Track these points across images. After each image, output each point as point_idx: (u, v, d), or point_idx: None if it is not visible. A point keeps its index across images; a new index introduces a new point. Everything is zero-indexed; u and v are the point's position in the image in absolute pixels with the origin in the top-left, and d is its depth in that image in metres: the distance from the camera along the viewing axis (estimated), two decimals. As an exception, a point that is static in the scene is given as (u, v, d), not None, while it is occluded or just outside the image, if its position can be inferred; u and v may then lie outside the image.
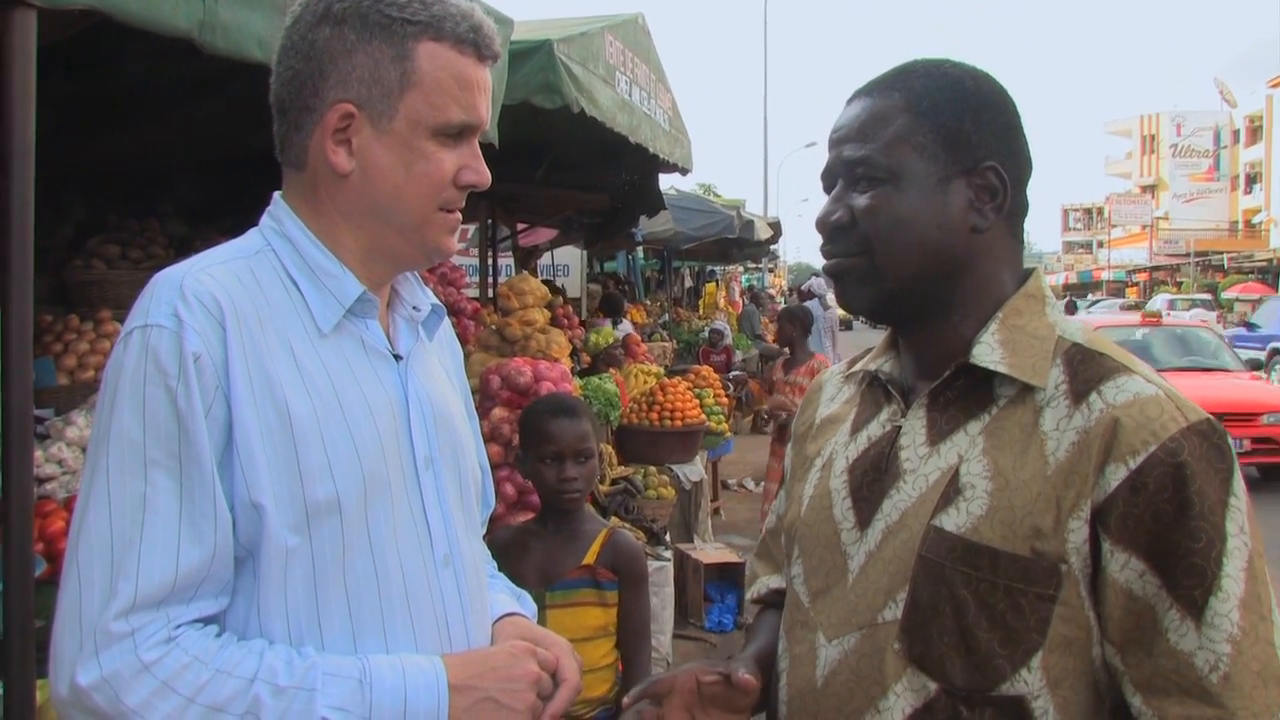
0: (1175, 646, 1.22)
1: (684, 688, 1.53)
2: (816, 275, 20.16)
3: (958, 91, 1.42)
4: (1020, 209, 1.45)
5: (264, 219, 1.55)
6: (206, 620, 1.36)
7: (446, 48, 1.47)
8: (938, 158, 1.40)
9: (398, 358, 1.56)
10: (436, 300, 1.68)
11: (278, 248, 1.50)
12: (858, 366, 1.62)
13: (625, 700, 1.54)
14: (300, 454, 1.39)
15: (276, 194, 1.56)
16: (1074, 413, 1.31)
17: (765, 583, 1.77)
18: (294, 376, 1.42)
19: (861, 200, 1.41)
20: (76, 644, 1.29)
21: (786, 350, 8.32)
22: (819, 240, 1.50)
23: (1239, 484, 1.27)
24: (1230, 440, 1.28)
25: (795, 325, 8.17)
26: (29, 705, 2.19)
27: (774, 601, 1.73)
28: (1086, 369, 1.34)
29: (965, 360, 1.39)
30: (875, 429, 1.50)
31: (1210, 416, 1.29)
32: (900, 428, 1.45)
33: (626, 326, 11.66)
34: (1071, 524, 1.26)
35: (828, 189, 1.49)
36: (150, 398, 1.33)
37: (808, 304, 15.23)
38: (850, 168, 1.43)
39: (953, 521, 1.33)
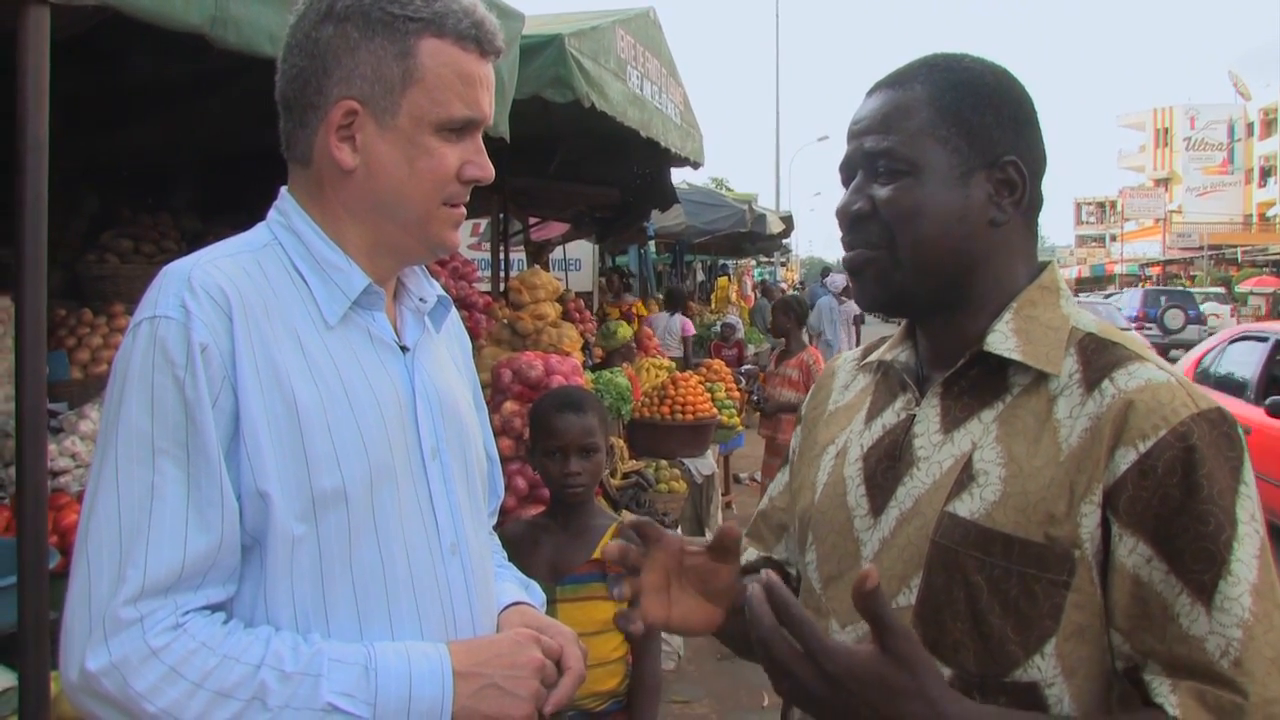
0: (1187, 631, 1.21)
1: (669, 547, 1.52)
2: (834, 270, 20.15)
3: (979, 86, 1.42)
4: (1036, 204, 1.46)
5: (271, 213, 1.57)
6: (214, 607, 1.38)
7: (449, 44, 1.48)
8: (960, 151, 1.40)
9: (404, 349, 1.58)
10: (443, 292, 1.70)
11: (284, 241, 1.52)
12: (873, 356, 1.63)
13: (626, 520, 1.53)
14: (306, 443, 1.40)
15: (284, 189, 1.58)
16: (1087, 400, 1.31)
17: (752, 551, 1.77)
18: (300, 367, 1.43)
19: (883, 191, 1.42)
20: (86, 630, 1.31)
21: (783, 341, 8.14)
22: (833, 234, 1.52)
23: (1249, 474, 1.26)
24: (1240, 430, 1.28)
25: (789, 316, 8.00)
26: (44, 696, 2.21)
27: (760, 567, 1.73)
28: (1100, 357, 1.34)
29: (979, 348, 1.39)
30: (890, 417, 1.51)
31: (1221, 405, 1.28)
32: (915, 416, 1.46)
33: (678, 321, 11.76)
34: (1084, 509, 1.26)
35: (846, 181, 1.49)
36: (158, 387, 1.35)
37: (823, 298, 15.24)
38: (872, 159, 1.43)
39: (966, 508, 1.33)
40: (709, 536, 5.76)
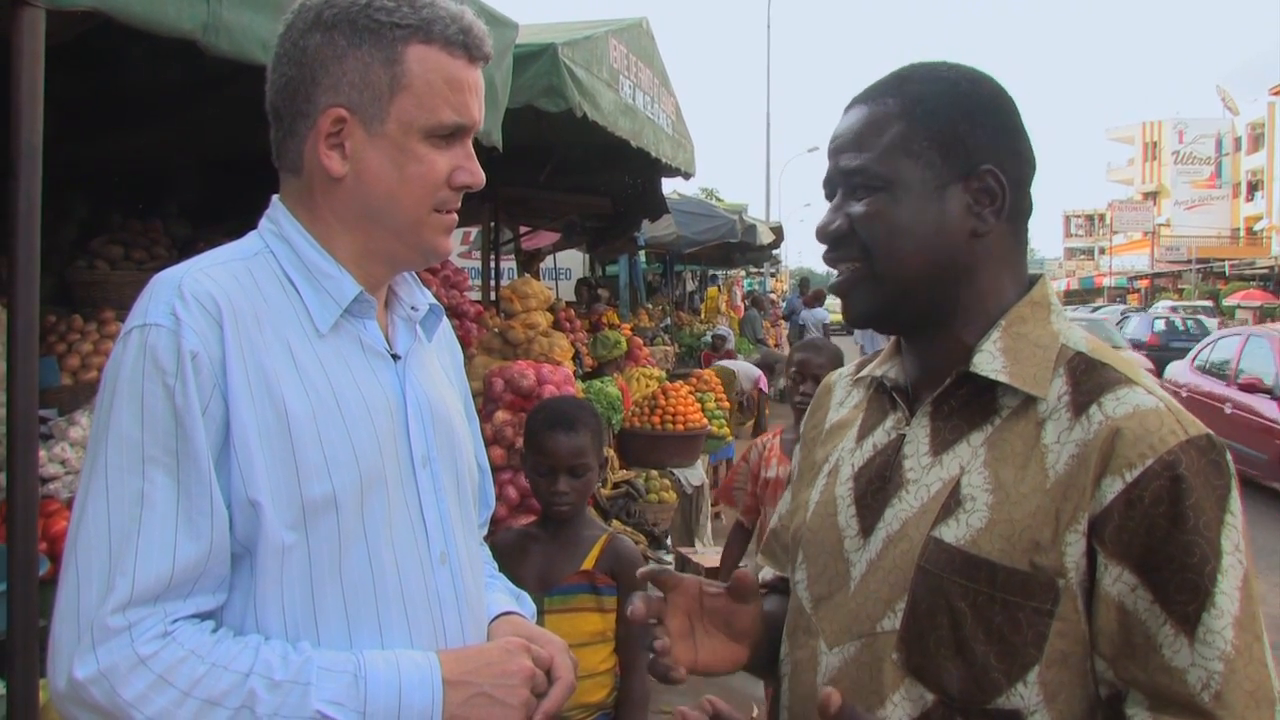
0: (1169, 662, 1.21)
1: (688, 590, 1.52)
2: (813, 283, 20.22)
3: (953, 95, 1.41)
4: (1023, 210, 1.44)
5: (262, 222, 1.57)
6: (203, 616, 1.38)
7: (436, 50, 1.48)
8: (934, 164, 1.39)
9: (396, 357, 1.58)
10: (435, 300, 1.70)
11: (276, 249, 1.52)
12: (865, 371, 1.62)
13: (640, 572, 1.52)
14: (297, 452, 1.40)
15: (275, 197, 1.58)
16: (1074, 425, 1.30)
17: (768, 571, 1.77)
18: (291, 376, 1.43)
19: (858, 208, 1.41)
20: (74, 638, 1.30)
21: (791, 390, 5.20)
22: (821, 247, 1.50)
23: (1236, 502, 1.25)
24: (1229, 457, 1.27)
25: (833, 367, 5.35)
26: (32, 704, 2.20)
27: (777, 586, 1.74)
28: (1089, 380, 1.33)
29: (966, 368, 1.38)
30: (880, 437, 1.50)
31: (1210, 432, 1.27)
32: (904, 436, 1.45)
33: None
34: (1069, 537, 1.26)
35: (829, 197, 1.49)
36: (148, 395, 1.35)
37: (817, 311, 15.25)
38: (847, 177, 1.43)
39: (952, 533, 1.33)
40: (698, 546, 5.70)
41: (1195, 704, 1.20)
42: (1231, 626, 1.20)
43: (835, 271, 1.49)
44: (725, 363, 12.29)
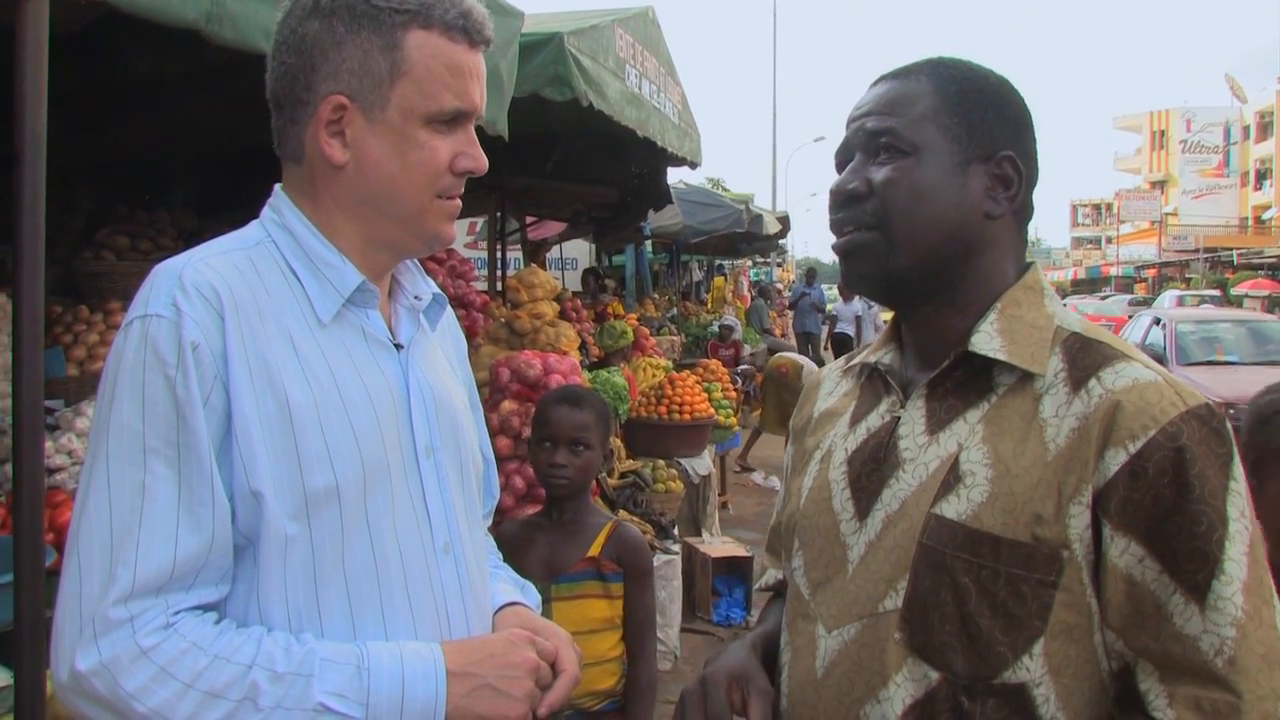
0: (1181, 630, 1.23)
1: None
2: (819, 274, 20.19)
3: (984, 85, 1.46)
4: (1027, 209, 1.48)
5: (264, 211, 1.56)
6: (206, 607, 1.37)
7: (436, 35, 1.47)
8: (960, 140, 1.42)
9: (399, 347, 1.57)
10: (438, 289, 1.69)
11: (278, 238, 1.51)
12: (856, 360, 1.64)
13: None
14: (299, 442, 1.40)
15: (277, 186, 1.57)
16: (1073, 399, 1.32)
17: (772, 573, 1.79)
18: (293, 366, 1.42)
19: (881, 172, 1.43)
20: (76, 630, 1.30)
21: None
22: (830, 235, 1.51)
23: (1238, 468, 1.27)
24: (1229, 425, 1.29)
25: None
26: (39, 694, 2.20)
27: (781, 590, 1.74)
28: (1085, 356, 1.36)
29: (964, 349, 1.40)
30: (874, 420, 1.51)
31: (1209, 401, 1.30)
32: (899, 418, 1.46)
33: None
34: (1072, 510, 1.27)
35: (841, 166, 1.50)
36: (149, 386, 1.34)
37: (854, 305, 15.18)
38: (874, 138, 1.45)
39: (953, 509, 1.34)
40: (705, 536, 5.70)
41: (1209, 670, 1.22)
42: (1241, 592, 1.22)
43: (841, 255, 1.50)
44: (791, 355, 12.09)
